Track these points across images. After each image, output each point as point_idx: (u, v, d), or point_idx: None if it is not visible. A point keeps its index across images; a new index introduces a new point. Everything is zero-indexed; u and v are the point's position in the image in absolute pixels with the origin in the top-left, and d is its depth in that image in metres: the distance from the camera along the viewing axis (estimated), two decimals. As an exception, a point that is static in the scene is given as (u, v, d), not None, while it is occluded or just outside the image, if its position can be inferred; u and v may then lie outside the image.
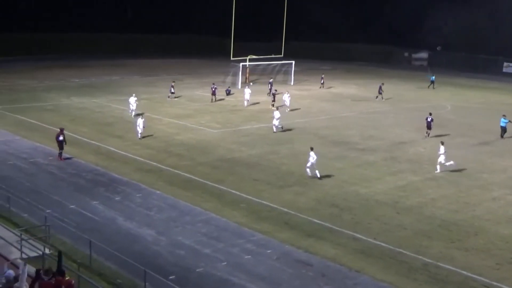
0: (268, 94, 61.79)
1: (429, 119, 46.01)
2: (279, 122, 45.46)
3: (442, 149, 35.93)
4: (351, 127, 48.78)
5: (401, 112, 56.94)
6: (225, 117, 50.32)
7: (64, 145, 35.66)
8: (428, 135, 45.55)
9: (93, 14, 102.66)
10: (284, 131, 45.45)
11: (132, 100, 49.17)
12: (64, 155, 35.64)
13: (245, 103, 55.92)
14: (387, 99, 63.78)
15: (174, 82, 61.68)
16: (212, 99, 57.95)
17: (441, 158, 35.74)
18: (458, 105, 62.39)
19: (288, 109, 53.21)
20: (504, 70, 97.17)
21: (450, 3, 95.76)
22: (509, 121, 46.10)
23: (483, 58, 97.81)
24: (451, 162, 35.58)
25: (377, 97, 63.96)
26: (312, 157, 33.35)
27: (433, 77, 75.38)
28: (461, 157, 39.66)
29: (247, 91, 56.05)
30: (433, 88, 74.27)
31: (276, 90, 59.02)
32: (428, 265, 23.06)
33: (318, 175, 33.46)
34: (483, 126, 47.32)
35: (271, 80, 65.53)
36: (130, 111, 49.07)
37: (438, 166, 35.84)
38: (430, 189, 32.63)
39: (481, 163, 38.64)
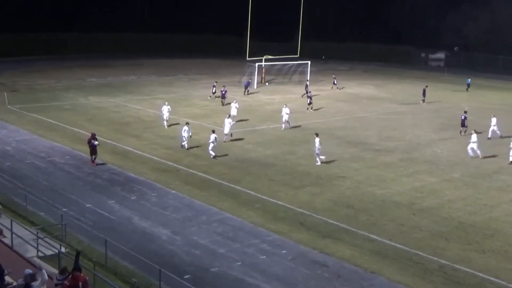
0: (303, 95, 60.09)
1: (462, 117, 46.50)
2: (286, 118, 46.00)
3: (474, 137, 38.90)
4: (368, 127, 48.56)
5: (419, 113, 56.56)
6: (241, 117, 50.27)
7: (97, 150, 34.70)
8: (461, 133, 46.21)
9: (111, 14, 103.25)
10: (296, 129, 45.30)
11: (165, 108, 45.83)
12: (97, 160, 34.78)
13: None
14: (428, 102, 63.28)
15: (216, 82, 61.16)
16: (222, 102, 55.64)
17: (474, 146, 38.49)
18: (476, 106, 61.83)
19: (234, 122, 44.71)
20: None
21: (471, 4, 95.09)
22: None
23: (502, 59, 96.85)
24: (478, 152, 38.56)
25: (423, 100, 61.99)
26: (318, 143, 35.91)
27: (469, 80, 74.33)
28: (479, 158, 39.37)
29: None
30: (467, 90, 72.90)
31: (311, 92, 57.47)
32: (445, 267, 22.88)
33: (320, 160, 36.25)
34: (502, 127, 46.78)
35: (307, 82, 64.48)
36: (163, 121, 45.69)
37: (470, 151, 38.93)
38: (447, 190, 32.38)
39: (499, 164, 38.26)
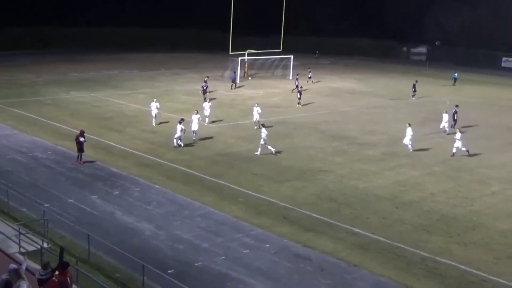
0: (293, 90, 59.73)
1: (453, 111, 47.18)
2: (257, 118, 43.96)
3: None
4: (351, 121, 48.75)
5: (401, 107, 56.88)
6: (224, 111, 50.24)
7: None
8: (451, 127, 46.46)
9: (93, 9, 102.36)
10: (279, 124, 45.37)
11: (154, 105, 44.36)
12: (85, 158, 34.03)
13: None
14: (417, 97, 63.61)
15: (207, 77, 60.75)
16: (204, 98, 52.91)
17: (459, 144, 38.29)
18: (457, 99, 62.23)
19: (207, 122, 44.70)
20: (503, 64, 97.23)
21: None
22: None
23: (482, 53, 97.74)
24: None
25: (413, 96, 61.95)
26: (264, 133, 36.79)
27: (456, 74, 74.65)
28: (461, 151, 39.71)
29: (207, 105, 45.85)
30: (453, 85, 73.24)
31: (302, 87, 57.50)
32: (427, 259, 23.07)
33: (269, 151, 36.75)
34: (483, 121, 47.30)
35: (297, 76, 64.28)
36: (152, 119, 44.37)
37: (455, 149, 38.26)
38: (429, 183, 32.62)
39: (481, 158, 38.62)
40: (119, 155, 36.06)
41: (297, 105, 54.31)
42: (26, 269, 16.13)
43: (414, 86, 62.29)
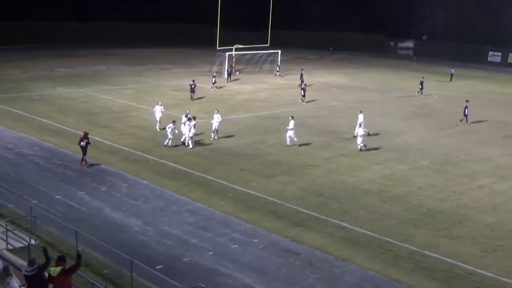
0: (299, 85, 59.02)
1: (464, 106, 47.26)
2: (216, 126, 39.45)
3: (291, 123, 37.90)
4: (339, 116, 48.85)
5: (389, 101, 57.07)
6: (212, 106, 50.07)
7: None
8: (461, 122, 46.98)
9: (80, 3, 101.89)
10: (268, 118, 45.40)
11: (158, 109, 41.76)
12: (89, 160, 32.96)
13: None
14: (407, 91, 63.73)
15: (216, 72, 61.56)
16: (191, 97, 52.88)
17: (291, 133, 37.86)
18: (445, 94, 62.60)
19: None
20: (489, 59, 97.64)
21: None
22: None
23: (469, 47, 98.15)
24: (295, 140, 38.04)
25: (418, 92, 60.75)
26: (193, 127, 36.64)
27: (453, 70, 74.76)
28: (448, 145, 40.01)
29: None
30: (450, 81, 73.18)
31: (306, 84, 57.05)
32: (414, 253, 23.20)
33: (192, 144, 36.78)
34: (470, 115, 47.52)
35: (302, 70, 63.92)
36: (157, 123, 41.74)
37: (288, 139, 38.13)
38: (416, 178, 32.78)
39: (468, 152, 38.86)
40: (106, 151, 35.92)
41: (300, 101, 53.77)
42: (14, 265, 16.09)
43: (421, 83, 61.01)
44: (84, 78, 64.36)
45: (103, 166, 32.62)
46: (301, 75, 62.82)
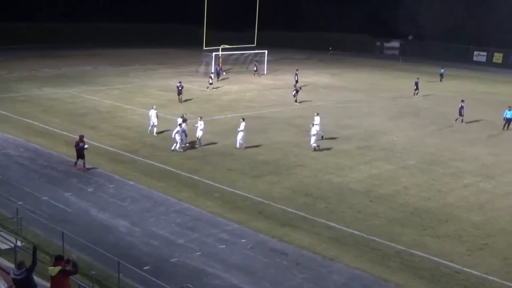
0: (294, 85, 58.81)
1: (460, 106, 47.46)
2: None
3: (242, 125, 37.17)
4: (326, 116, 48.77)
5: (375, 101, 57.27)
6: (199, 107, 50.09)
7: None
8: (456, 121, 47.25)
9: (65, 3, 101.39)
10: (255, 118, 45.42)
11: (153, 113, 40.28)
12: (58, 155, 32.96)
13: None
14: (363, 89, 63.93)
15: (212, 73, 62.02)
16: (179, 99, 51.91)
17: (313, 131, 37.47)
18: (431, 93, 62.89)
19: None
20: (475, 59, 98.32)
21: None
22: None
23: (454, 47, 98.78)
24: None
25: (414, 94, 60.46)
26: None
27: (443, 70, 74.86)
28: (434, 145, 40.24)
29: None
30: (441, 81, 73.19)
31: (300, 88, 56.62)
32: (401, 252, 23.31)
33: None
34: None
35: (297, 71, 63.94)
36: (152, 128, 40.50)
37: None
38: (403, 177, 32.93)
39: (454, 151, 39.09)
40: (93, 152, 35.61)
41: (295, 103, 53.41)
42: (1, 268, 15.99)
43: (416, 84, 60.60)
44: (70, 78, 64.02)
45: (89, 166, 32.41)
46: (296, 75, 62.99)
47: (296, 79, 62.35)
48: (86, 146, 31.83)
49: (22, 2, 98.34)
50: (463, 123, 47.16)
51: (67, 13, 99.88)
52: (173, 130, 36.54)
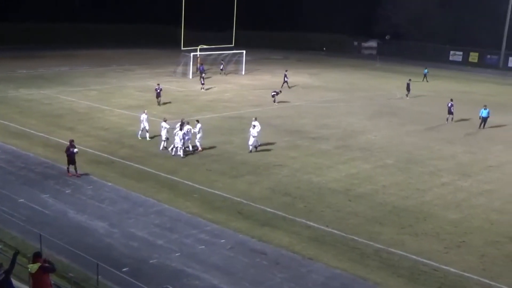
0: (282, 86, 58.57)
1: (449, 105, 48.03)
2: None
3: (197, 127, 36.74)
4: (304, 116, 49.08)
5: (353, 101, 57.54)
6: (178, 107, 49.94)
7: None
8: (447, 120, 47.85)
9: (42, 4, 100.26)
10: (233, 118, 45.39)
11: (144, 117, 38.95)
12: (35, 156, 32.22)
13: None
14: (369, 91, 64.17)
15: (205, 73, 62.02)
16: (158, 102, 50.42)
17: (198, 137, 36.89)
18: (407, 93, 63.27)
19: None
20: (451, 58, 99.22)
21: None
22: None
23: (431, 47, 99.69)
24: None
25: (407, 95, 60.07)
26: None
27: (426, 70, 75.13)
28: (412, 144, 40.54)
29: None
30: (427, 81, 73.30)
31: (280, 91, 55.58)
32: (380, 251, 23.45)
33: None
34: (433, 114, 48.26)
35: (286, 71, 64.01)
36: (144, 132, 39.16)
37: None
38: (381, 176, 33.13)
39: (431, 150, 39.42)
40: (70, 153, 35.43)
41: (274, 103, 53.32)
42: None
43: (408, 85, 60.37)
44: (47, 79, 63.43)
45: (49, 161, 32.24)
46: (285, 76, 63.12)
47: (285, 80, 62.47)
48: (75, 150, 31.17)
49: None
50: (453, 122, 47.65)
51: (43, 14, 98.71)
52: (163, 130, 36.32)
